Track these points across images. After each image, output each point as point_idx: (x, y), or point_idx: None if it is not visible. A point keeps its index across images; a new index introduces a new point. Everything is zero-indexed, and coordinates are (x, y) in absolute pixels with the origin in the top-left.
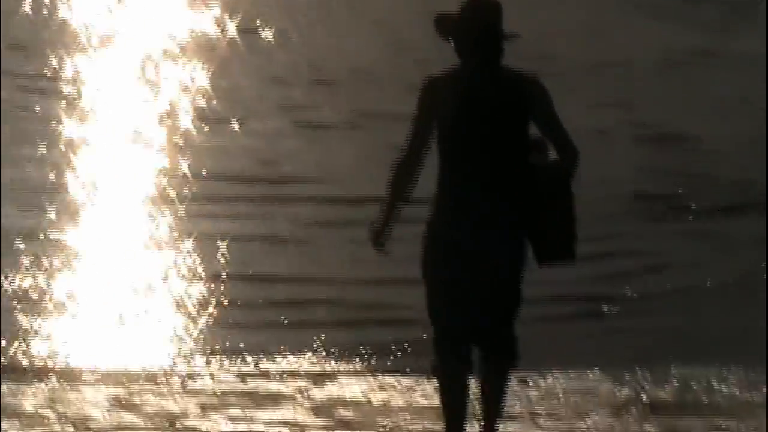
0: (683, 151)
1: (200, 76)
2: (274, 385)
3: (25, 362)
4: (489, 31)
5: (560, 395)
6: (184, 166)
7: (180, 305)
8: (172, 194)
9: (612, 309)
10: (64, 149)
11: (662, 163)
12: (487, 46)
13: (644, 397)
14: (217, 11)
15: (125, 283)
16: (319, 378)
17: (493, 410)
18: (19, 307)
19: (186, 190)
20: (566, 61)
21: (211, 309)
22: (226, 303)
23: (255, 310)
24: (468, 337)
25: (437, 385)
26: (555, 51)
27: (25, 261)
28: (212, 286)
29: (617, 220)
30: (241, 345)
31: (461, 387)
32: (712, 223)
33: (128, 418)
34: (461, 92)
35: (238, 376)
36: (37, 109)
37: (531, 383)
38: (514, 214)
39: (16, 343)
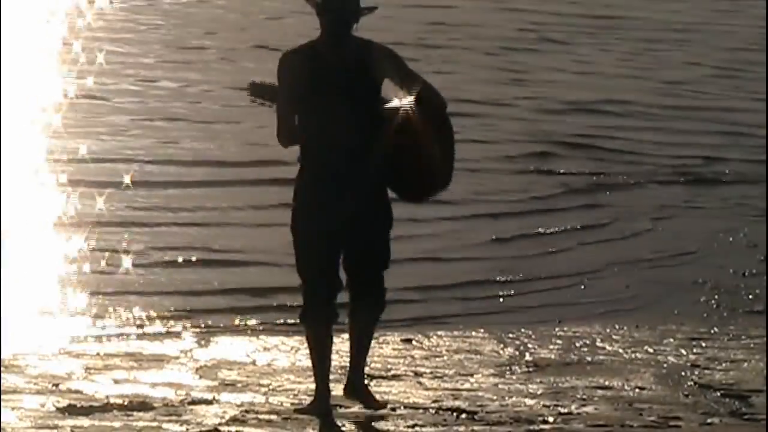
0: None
1: None
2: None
3: None
4: (336, 6)
5: (444, 355)
6: None
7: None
8: None
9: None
10: None
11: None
12: (337, 17)
13: (528, 356)
14: None
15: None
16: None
17: (361, 352)
18: None
19: None
20: None
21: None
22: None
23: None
24: (335, 289)
25: (306, 331)
26: None
27: None
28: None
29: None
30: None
31: (327, 334)
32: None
33: (12, 380)
34: (316, 67)
35: (121, 338)
36: None
37: (415, 343)
38: (378, 172)
39: None
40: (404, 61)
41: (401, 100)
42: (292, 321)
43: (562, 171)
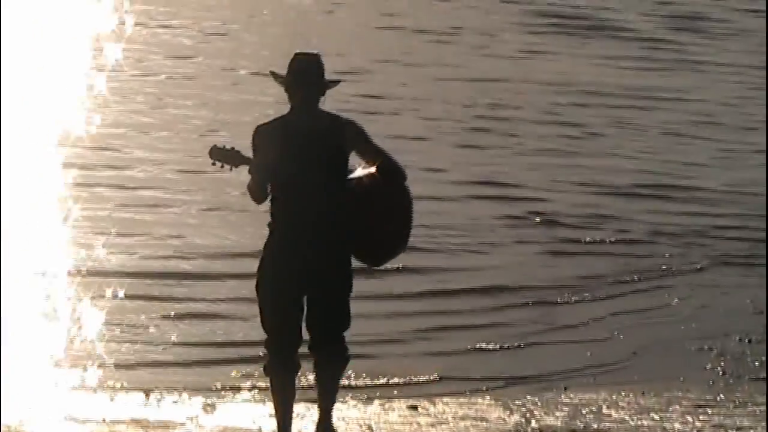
0: None
1: None
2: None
3: None
4: (304, 79)
5: (450, 422)
6: None
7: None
8: None
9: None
10: None
11: None
12: (304, 92)
13: (534, 423)
14: None
15: None
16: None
17: (327, 400)
18: None
19: None
20: None
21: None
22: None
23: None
24: (297, 344)
25: (269, 382)
26: None
27: None
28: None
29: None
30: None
31: (287, 368)
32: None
33: None
34: (287, 136)
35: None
36: None
37: (421, 410)
38: (342, 237)
39: None
40: (368, 134)
41: (364, 170)
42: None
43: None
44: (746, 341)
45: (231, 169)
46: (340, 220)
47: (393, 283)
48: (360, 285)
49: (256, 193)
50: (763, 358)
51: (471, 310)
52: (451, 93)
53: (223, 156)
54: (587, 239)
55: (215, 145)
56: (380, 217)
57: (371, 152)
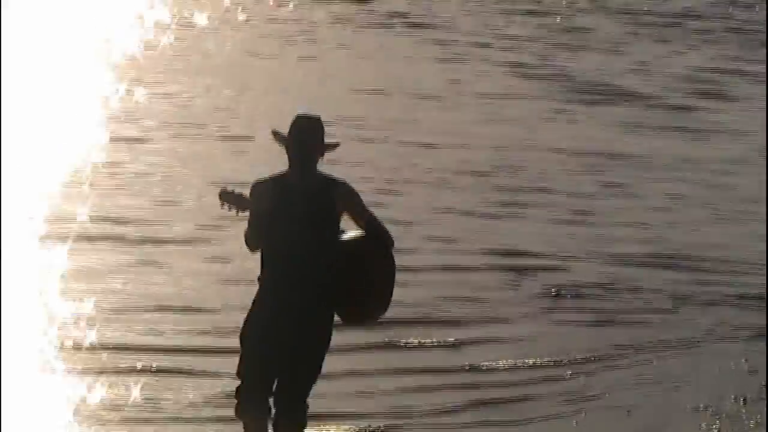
0: None
1: None
2: None
3: None
4: (302, 143)
5: None
6: None
7: None
8: None
9: None
10: None
11: None
12: (301, 155)
13: None
14: None
15: None
16: None
17: None
18: None
19: None
20: None
21: None
22: None
23: None
24: (265, 395)
25: (239, 407)
26: None
27: None
28: None
29: None
30: None
31: (260, 412)
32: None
33: None
34: (282, 192)
35: None
36: None
37: None
38: (322, 302)
39: None
40: (361, 198)
41: (354, 233)
42: None
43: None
44: (742, 401)
45: (237, 213)
46: (327, 277)
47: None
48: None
49: (250, 243)
50: (759, 417)
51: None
52: (457, 159)
53: (232, 200)
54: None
55: (224, 189)
56: (364, 280)
57: (362, 216)
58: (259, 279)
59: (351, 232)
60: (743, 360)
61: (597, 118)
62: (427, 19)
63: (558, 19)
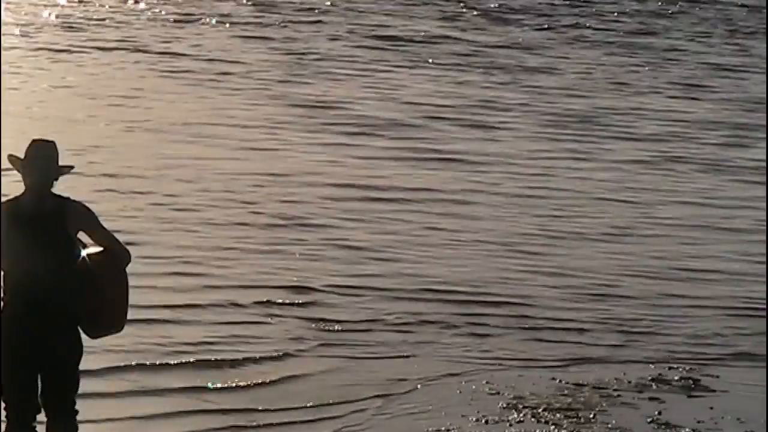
0: None
1: None
2: None
3: None
4: (35, 164)
5: None
6: None
7: None
8: None
9: None
10: None
11: None
12: (36, 176)
13: None
14: None
15: None
16: None
17: None
18: None
19: None
20: None
21: None
22: None
23: None
24: (35, 412)
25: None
26: None
27: None
28: None
29: None
30: None
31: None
32: None
33: None
34: (19, 215)
35: None
36: None
37: None
38: (71, 309)
39: None
40: (97, 217)
41: (92, 250)
42: None
43: None
44: (484, 422)
45: None
46: (65, 296)
47: None
48: None
49: None
50: None
51: None
52: None
53: None
54: None
55: None
56: (98, 294)
57: (98, 234)
58: (2, 299)
59: (89, 249)
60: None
61: None
62: None
63: None
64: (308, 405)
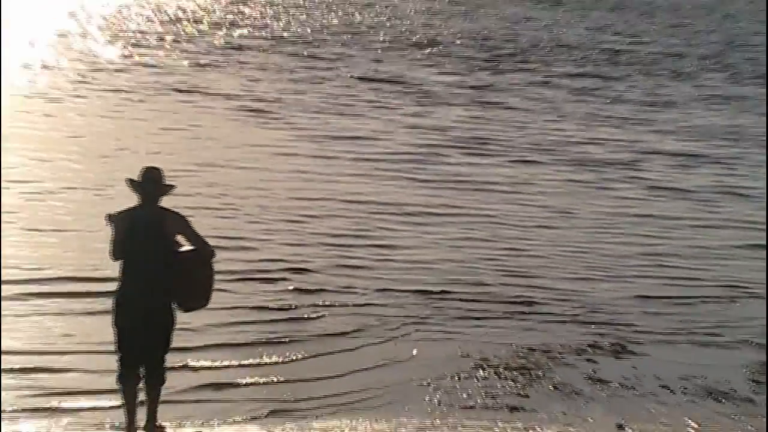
0: None
1: None
2: None
3: None
4: (145, 186)
5: None
6: None
7: None
8: None
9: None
10: None
11: None
12: (145, 194)
13: None
14: None
15: None
16: None
17: (152, 407)
18: None
19: None
20: None
21: None
22: None
23: None
24: (137, 363)
25: (121, 388)
26: None
27: None
28: None
29: None
30: None
31: (133, 383)
32: None
33: None
34: (135, 220)
35: None
36: None
37: None
38: (167, 291)
39: None
40: (189, 223)
41: (186, 248)
42: None
43: None
44: (457, 378)
45: (108, 225)
46: (166, 278)
47: None
48: None
49: (112, 255)
50: (470, 391)
51: None
52: None
53: (109, 220)
54: None
55: (109, 214)
56: (192, 279)
57: (190, 236)
58: (118, 280)
59: (184, 247)
60: (457, 346)
61: None
62: None
63: None
64: None
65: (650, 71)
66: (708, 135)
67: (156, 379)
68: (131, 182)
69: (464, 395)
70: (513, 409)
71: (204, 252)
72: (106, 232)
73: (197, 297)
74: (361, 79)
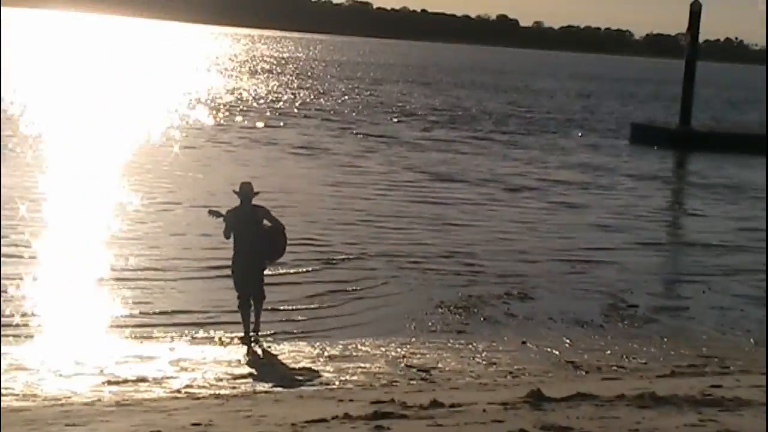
0: None
1: None
2: None
3: None
4: (244, 193)
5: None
6: None
7: None
8: None
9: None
10: None
11: None
12: (243, 198)
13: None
14: None
15: None
16: None
17: (258, 317)
18: None
19: None
20: None
21: None
22: None
23: None
24: (248, 289)
25: (240, 310)
26: None
27: None
28: None
29: None
30: None
31: (247, 306)
32: None
33: None
34: (238, 213)
35: None
36: None
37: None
38: (263, 251)
39: None
40: (270, 210)
41: (269, 224)
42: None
43: None
44: (425, 313)
45: (217, 218)
46: (262, 245)
47: None
48: None
49: (226, 235)
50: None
51: None
52: None
53: (213, 214)
54: None
55: (210, 209)
56: (275, 243)
57: (272, 219)
58: (233, 247)
59: (268, 223)
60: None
61: None
62: None
63: None
64: None
65: (541, 129)
66: (586, 168)
67: (260, 303)
68: (235, 191)
69: (429, 323)
70: (459, 332)
71: (280, 227)
72: (213, 222)
73: (277, 252)
74: (363, 135)
